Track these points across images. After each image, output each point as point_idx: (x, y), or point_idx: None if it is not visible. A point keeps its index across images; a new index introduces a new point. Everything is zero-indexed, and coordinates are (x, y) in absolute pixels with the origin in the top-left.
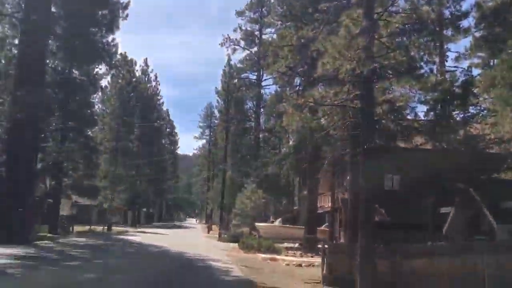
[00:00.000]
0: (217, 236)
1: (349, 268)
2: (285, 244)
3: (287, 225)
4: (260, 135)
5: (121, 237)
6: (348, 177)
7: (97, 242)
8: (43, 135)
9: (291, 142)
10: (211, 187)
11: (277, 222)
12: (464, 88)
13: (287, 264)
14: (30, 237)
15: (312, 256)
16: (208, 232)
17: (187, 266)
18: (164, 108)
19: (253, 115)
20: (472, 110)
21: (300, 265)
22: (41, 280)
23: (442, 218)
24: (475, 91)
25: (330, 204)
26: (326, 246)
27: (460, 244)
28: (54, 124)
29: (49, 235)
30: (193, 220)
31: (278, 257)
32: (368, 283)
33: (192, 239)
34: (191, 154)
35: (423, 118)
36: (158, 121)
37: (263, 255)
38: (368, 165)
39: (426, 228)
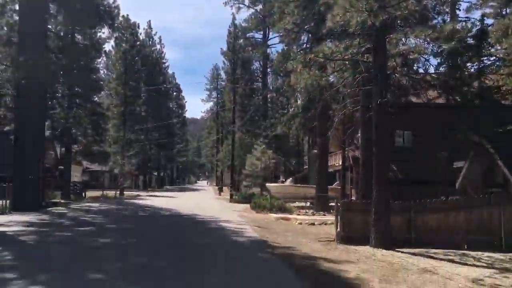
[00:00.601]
0: (228, 197)
1: (363, 225)
2: (297, 204)
3: (298, 185)
4: (268, 96)
5: (133, 201)
6: (358, 135)
7: (110, 207)
8: (49, 102)
9: (299, 101)
10: (220, 150)
11: (288, 182)
12: (478, 38)
13: (300, 223)
14: (43, 204)
15: (324, 215)
16: (219, 194)
17: (200, 228)
18: (170, 72)
19: (260, 75)
20: (486, 61)
21: (313, 224)
22: (54, 246)
23: (455, 173)
24: (488, 41)
25: (340, 163)
26: (339, 204)
27: (476, 198)
28: (60, 90)
29: (62, 201)
30: (204, 183)
31: (290, 216)
32: (383, 239)
33: (203, 201)
34: (199, 117)
35: (435, 71)
36: (165, 85)
37: (275, 215)
38: (380, 120)
39: (439, 183)
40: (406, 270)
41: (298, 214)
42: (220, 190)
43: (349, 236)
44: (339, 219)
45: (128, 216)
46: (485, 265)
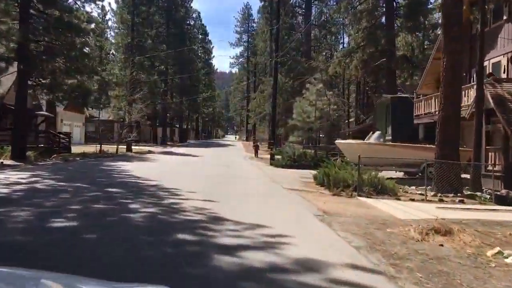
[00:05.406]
0: (268, 157)
1: None
2: (384, 173)
3: (402, 143)
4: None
5: (122, 163)
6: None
7: (49, 182)
8: None
9: (354, 34)
10: (252, 98)
11: (373, 139)
12: None
13: (464, 243)
14: None
15: (462, 201)
16: (255, 154)
17: None
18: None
19: (302, 7)
20: None
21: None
22: None
23: None
24: None
25: (470, 102)
26: None
27: None
28: None
29: (8, 162)
30: (232, 137)
31: (420, 210)
32: None
33: (233, 164)
34: (227, 71)
35: None
36: (187, 20)
37: (378, 203)
38: None
39: None
40: None
41: (412, 200)
42: (256, 148)
43: None
44: None
45: (31, 217)
46: None
